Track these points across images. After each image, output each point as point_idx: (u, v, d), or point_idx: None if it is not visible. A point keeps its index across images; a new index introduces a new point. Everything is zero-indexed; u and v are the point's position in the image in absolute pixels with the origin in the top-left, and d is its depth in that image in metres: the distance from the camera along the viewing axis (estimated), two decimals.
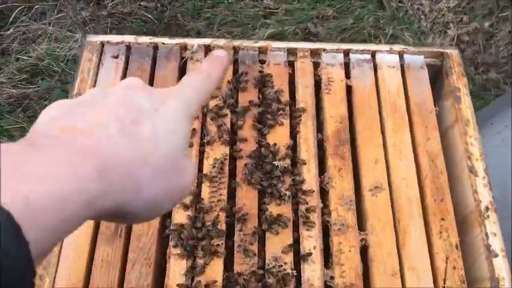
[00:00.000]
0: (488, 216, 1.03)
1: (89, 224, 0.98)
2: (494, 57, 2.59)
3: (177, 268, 0.95)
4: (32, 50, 2.39)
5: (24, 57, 2.37)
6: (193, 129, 1.08)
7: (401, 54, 1.21)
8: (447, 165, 1.10)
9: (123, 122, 0.40)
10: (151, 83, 1.15)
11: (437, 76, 1.23)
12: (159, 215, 0.44)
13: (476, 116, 1.15)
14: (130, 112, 0.41)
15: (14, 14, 2.43)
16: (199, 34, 2.55)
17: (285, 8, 2.63)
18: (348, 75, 1.19)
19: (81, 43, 2.38)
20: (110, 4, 2.59)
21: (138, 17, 2.57)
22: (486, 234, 1.01)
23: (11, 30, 2.42)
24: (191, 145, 1.07)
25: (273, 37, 2.52)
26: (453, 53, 1.21)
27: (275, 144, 1.08)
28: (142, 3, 2.63)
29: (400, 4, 2.69)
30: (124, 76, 1.15)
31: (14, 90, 2.28)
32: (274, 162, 1.05)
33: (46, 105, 0.42)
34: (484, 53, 2.61)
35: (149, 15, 2.55)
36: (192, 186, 0.45)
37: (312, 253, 0.96)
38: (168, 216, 1.01)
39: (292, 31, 2.54)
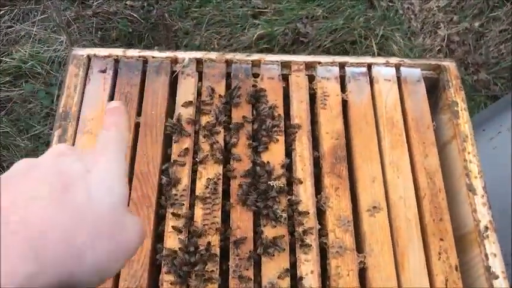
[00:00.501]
0: (487, 236, 1.01)
1: None
2: (484, 58, 2.58)
3: None
4: (15, 51, 2.32)
5: (7, 59, 2.30)
6: (186, 149, 1.04)
7: (397, 67, 1.18)
8: (445, 181, 1.07)
9: (55, 190, 0.40)
10: (140, 98, 1.10)
11: (433, 88, 1.20)
12: (110, 276, 0.43)
13: None
14: (61, 178, 0.42)
15: None
16: (187, 34, 2.49)
17: (273, 8, 2.59)
18: (343, 89, 1.16)
19: (67, 45, 2.32)
20: (95, 3, 2.52)
21: (124, 16, 2.51)
22: (486, 255, 0.99)
23: None
24: (183, 164, 1.03)
25: (262, 38, 2.47)
26: (450, 65, 1.18)
27: (268, 162, 1.04)
28: (128, 2, 2.56)
29: (390, 4, 2.66)
30: (112, 92, 1.10)
31: None
32: (269, 182, 1.01)
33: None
34: (474, 53, 2.59)
35: (135, 15, 2.49)
36: (140, 241, 0.45)
37: (303, 277, 0.94)
38: (160, 241, 0.97)
39: (281, 31, 2.50)
